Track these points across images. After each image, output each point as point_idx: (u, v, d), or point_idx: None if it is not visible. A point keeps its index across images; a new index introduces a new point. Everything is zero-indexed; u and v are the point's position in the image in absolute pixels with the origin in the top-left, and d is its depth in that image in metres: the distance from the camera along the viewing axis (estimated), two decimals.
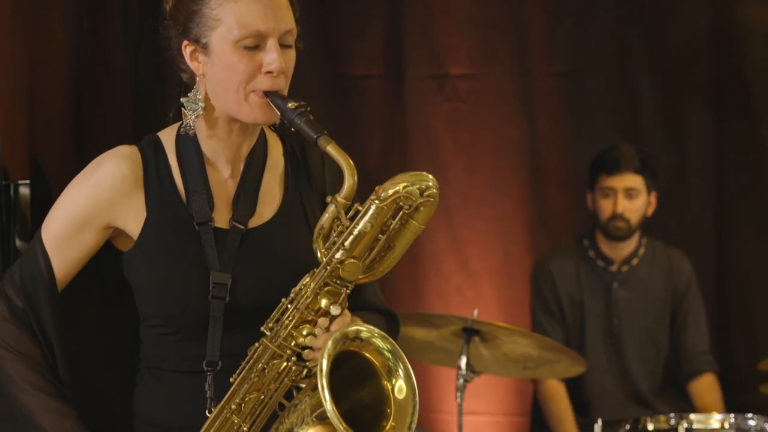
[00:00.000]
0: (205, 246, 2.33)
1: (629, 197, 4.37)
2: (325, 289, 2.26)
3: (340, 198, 2.23)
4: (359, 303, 2.40)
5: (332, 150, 2.22)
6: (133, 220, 2.35)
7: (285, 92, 2.32)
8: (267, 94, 2.29)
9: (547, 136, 4.99)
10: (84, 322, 2.59)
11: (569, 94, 4.98)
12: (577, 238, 4.53)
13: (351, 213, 2.24)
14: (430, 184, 2.25)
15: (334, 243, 2.25)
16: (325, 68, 4.85)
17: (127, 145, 2.40)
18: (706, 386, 4.44)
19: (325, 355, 2.13)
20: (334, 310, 2.26)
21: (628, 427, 3.92)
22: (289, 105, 2.26)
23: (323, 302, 2.26)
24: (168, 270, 2.32)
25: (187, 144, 2.38)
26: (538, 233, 4.97)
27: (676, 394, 4.47)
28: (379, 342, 2.22)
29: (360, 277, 2.27)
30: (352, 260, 2.24)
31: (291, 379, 2.27)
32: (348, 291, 2.27)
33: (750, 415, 3.83)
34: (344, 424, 2.10)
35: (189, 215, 2.35)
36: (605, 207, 4.38)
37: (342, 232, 2.24)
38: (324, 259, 2.25)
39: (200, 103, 2.34)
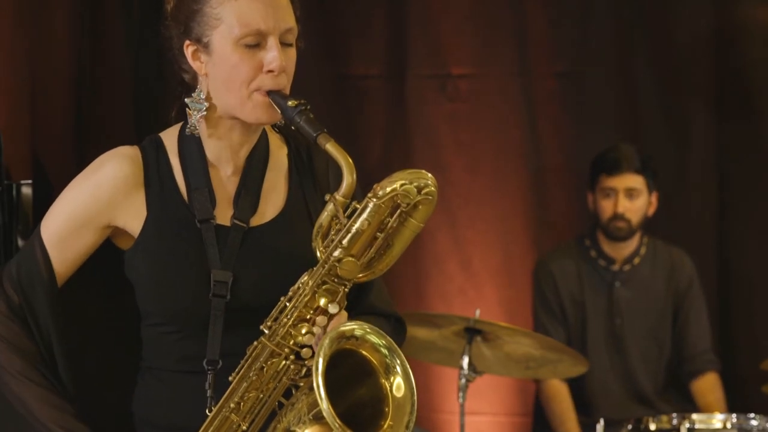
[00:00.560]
0: (206, 244, 2.32)
1: (630, 197, 4.36)
2: (324, 287, 2.25)
3: (338, 196, 2.22)
4: (364, 307, 2.40)
5: (331, 148, 2.21)
6: (133, 219, 2.35)
7: (287, 91, 2.31)
8: (268, 93, 2.29)
9: (548, 136, 4.98)
10: (84, 321, 2.58)
11: (570, 94, 4.98)
12: (578, 238, 4.52)
13: (349, 211, 2.24)
14: (429, 182, 2.24)
15: (332, 241, 2.24)
16: (326, 68, 4.85)
17: (128, 145, 2.40)
18: (708, 385, 4.43)
19: (321, 354, 2.12)
20: (332, 309, 2.25)
21: (630, 427, 3.91)
22: (290, 103, 2.26)
23: (321, 301, 2.25)
24: (169, 268, 2.32)
25: (190, 143, 2.38)
26: (539, 233, 4.97)
27: (678, 394, 4.46)
28: (374, 339, 2.21)
29: (359, 275, 2.26)
30: (350, 258, 2.23)
31: (289, 377, 2.26)
32: (346, 289, 2.27)
33: (752, 415, 3.82)
34: (339, 423, 2.09)
35: (190, 213, 2.35)
36: (606, 207, 4.37)
37: (340, 230, 2.24)
38: (322, 258, 2.25)
39: (204, 103, 2.34)
